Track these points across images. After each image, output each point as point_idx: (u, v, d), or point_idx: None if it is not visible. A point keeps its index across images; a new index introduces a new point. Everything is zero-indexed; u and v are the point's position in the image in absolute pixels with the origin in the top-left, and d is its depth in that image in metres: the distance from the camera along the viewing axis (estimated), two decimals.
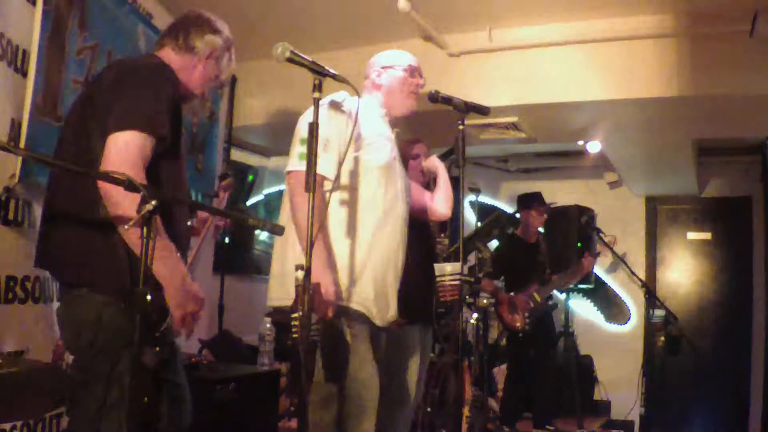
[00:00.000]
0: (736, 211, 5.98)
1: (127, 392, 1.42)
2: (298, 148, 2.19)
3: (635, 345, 6.04)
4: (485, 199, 6.34)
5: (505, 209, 6.45)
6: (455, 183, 2.73)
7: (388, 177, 2.32)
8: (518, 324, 4.68)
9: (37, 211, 2.40)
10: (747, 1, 3.18)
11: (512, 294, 4.77)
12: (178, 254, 1.73)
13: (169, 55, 1.97)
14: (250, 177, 5.66)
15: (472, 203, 5.62)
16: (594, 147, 4.97)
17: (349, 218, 2.23)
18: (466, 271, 3.95)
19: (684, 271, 6.17)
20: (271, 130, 4.84)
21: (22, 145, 2.36)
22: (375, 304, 2.26)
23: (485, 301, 4.48)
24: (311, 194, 1.86)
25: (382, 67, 2.50)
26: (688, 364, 5.71)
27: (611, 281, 6.28)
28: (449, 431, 3.80)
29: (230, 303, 4.63)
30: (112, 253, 1.67)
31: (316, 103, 1.94)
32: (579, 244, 5.35)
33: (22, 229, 2.40)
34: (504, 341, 5.10)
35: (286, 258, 2.23)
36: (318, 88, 1.93)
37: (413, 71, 2.50)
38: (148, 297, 1.39)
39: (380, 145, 2.33)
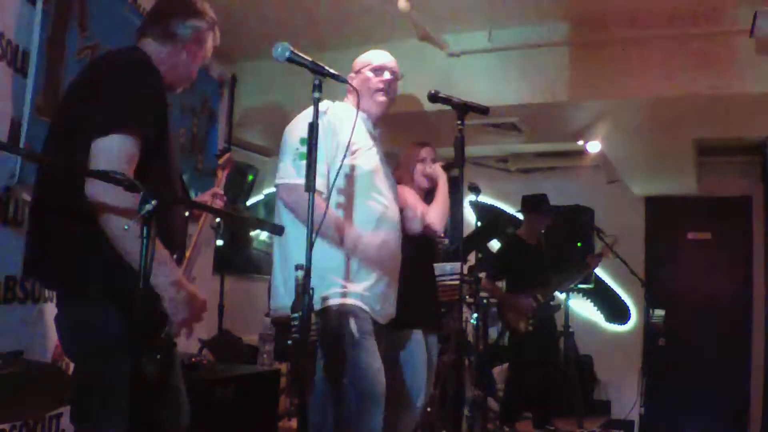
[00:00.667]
0: (736, 211, 5.98)
1: (128, 397, 1.41)
2: (293, 154, 2.24)
3: (635, 345, 6.04)
4: (485, 199, 6.34)
5: (505, 209, 6.45)
6: (455, 183, 2.72)
7: (378, 180, 2.38)
8: (522, 326, 4.68)
9: None
10: (747, 0, 3.18)
11: (515, 295, 4.76)
12: (174, 258, 1.71)
13: (150, 45, 1.88)
14: (250, 177, 5.66)
15: (472, 203, 5.62)
16: (594, 147, 4.97)
17: (347, 220, 2.27)
18: (466, 271, 3.96)
19: (684, 271, 6.17)
20: (271, 130, 4.84)
21: (21, 145, 2.36)
22: (376, 301, 2.30)
23: (486, 301, 4.48)
24: (311, 194, 1.86)
25: (355, 72, 2.56)
26: (688, 364, 5.72)
27: (611, 281, 6.28)
28: (449, 431, 3.80)
29: (230, 303, 4.63)
30: (108, 262, 1.61)
31: (316, 103, 1.94)
32: (579, 244, 5.36)
33: (22, 229, 2.39)
34: (505, 341, 5.10)
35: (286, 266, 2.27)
36: (318, 88, 1.94)
37: (377, 69, 2.53)
38: (148, 300, 1.38)
39: (366, 149, 2.37)
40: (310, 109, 2.24)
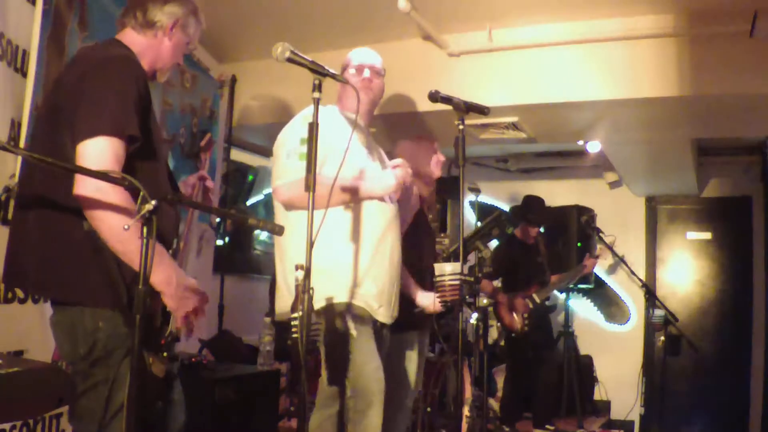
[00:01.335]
0: (736, 211, 5.98)
1: (128, 398, 1.40)
2: (290, 155, 2.24)
3: (635, 345, 6.03)
4: (485, 199, 6.33)
5: (505, 209, 6.45)
6: (455, 183, 2.72)
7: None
8: (517, 326, 4.68)
9: None
10: (747, 0, 3.18)
11: (511, 295, 4.76)
12: (170, 253, 1.71)
13: (131, 36, 1.85)
14: (250, 177, 5.66)
15: (472, 203, 5.62)
16: (594, 147, 4.97)
17: (353, 222, 2.29)
18: (466, 271, 3.95)
19: (684, 271, 6.17)
20: (271, 130, 4.82)
21: (21, 145, 2.35)
22: (378, 301, 2.32)
23: (485, 301, 4.48)
24: (311, 193, 1.86)
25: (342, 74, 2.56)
26: (688, 364, 5.72)
27: (611, 281, 6.28)
28: (449, 431, 3.80)
29: (230, 303, 4.63)
30: (102, 267, 1.60)
31: (316, 103, 1.94)
32: (579, 244, 5.36)
33: None
34: (503, 342, 5.10)
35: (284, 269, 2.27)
36: (318, 88, 1.94)
37: (358, 68, 2.54)
38: (149, 300, 1.37)
39: (357, 151, 2.37)
40: (299, 117, 2.27)
